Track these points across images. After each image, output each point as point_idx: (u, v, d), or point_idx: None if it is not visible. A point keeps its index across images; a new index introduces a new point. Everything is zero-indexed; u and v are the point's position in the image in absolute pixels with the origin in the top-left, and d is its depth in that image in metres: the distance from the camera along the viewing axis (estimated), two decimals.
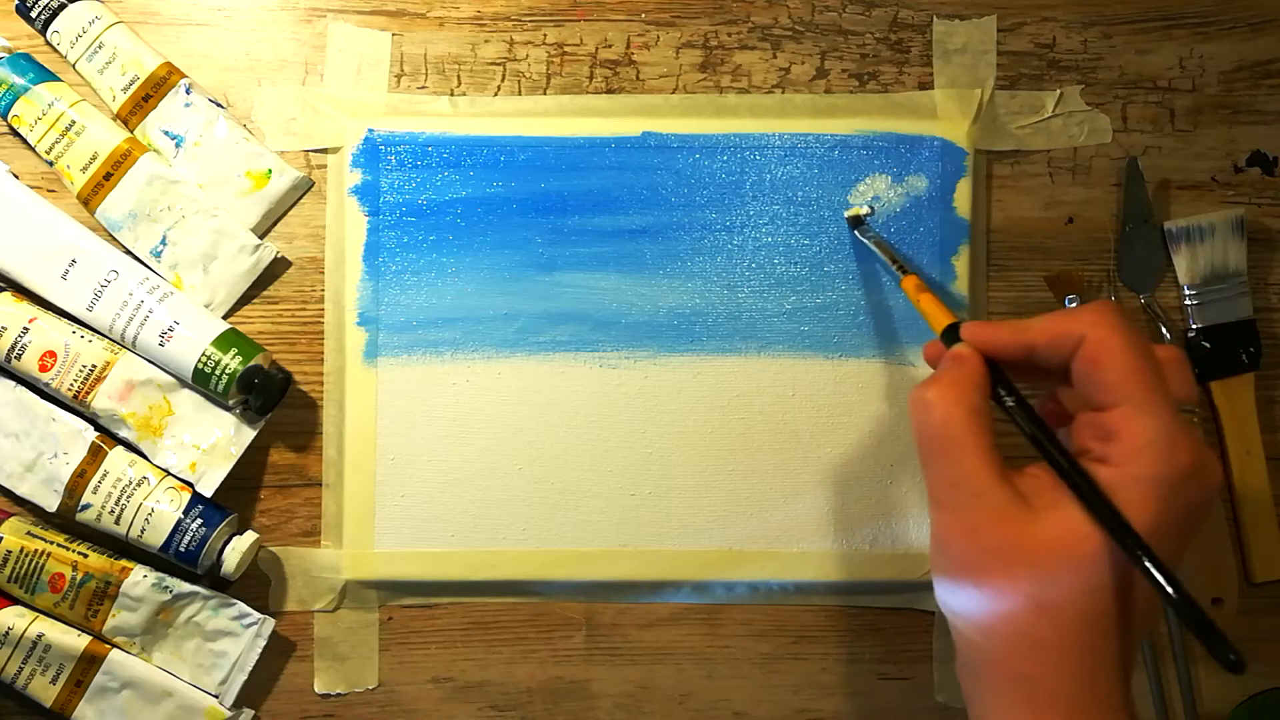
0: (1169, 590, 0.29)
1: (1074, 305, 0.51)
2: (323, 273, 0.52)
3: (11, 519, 0.50)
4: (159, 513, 0.48)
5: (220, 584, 0.51)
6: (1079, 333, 0.33)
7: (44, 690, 0.48)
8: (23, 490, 0.49)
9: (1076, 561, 0.31)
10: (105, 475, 0.48)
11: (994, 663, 0.32)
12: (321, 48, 0.53)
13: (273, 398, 0.49)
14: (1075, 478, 0.32)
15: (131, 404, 0.49)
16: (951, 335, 0.38)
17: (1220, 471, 0.33)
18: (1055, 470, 0.32)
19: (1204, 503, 0.32)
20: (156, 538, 0.48)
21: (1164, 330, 0.52)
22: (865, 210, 0.51)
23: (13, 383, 0.50)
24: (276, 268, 0.52)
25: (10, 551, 0.48)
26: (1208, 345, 0.52)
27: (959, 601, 0.33)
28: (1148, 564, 0.29)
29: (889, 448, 0.51)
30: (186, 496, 0.49)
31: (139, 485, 0.49)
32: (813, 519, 0.51)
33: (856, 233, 0.51)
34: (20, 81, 0.50)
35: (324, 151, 0.52)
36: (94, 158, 0.50)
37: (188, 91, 0.51)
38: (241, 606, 0.50)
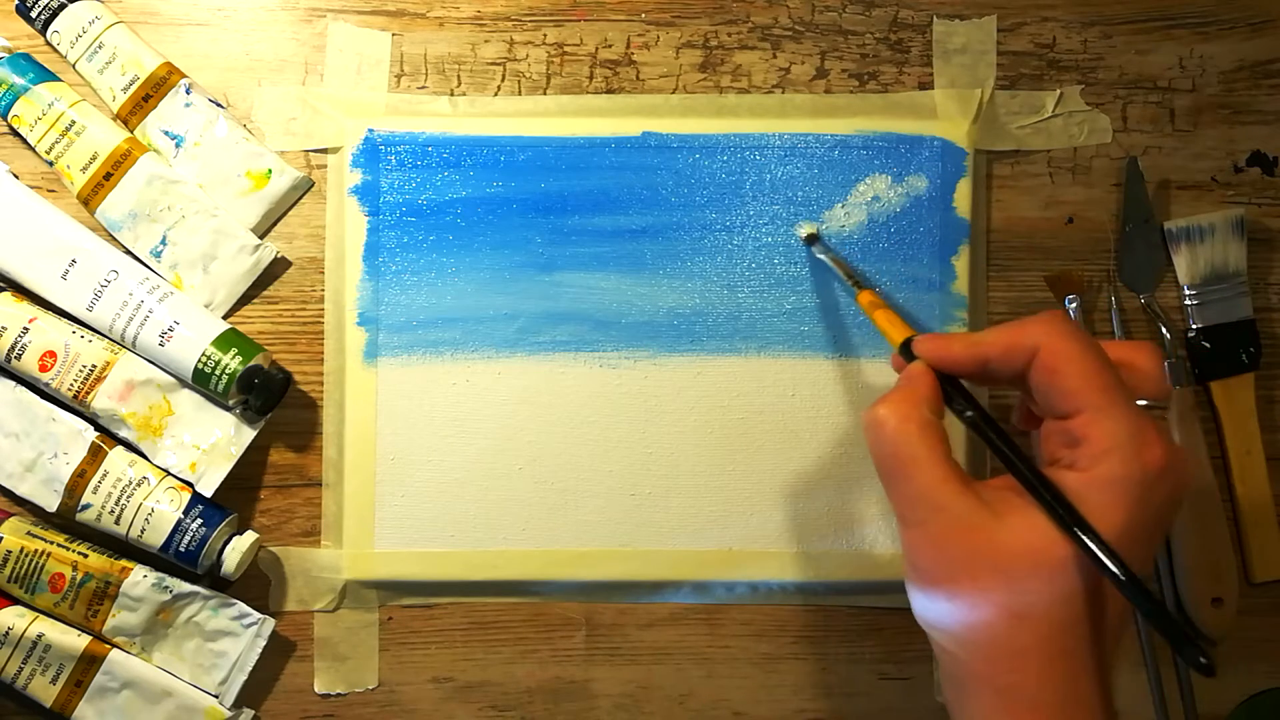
0: (1124, 580, 0.29)
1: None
2: (323, 273, 0.52)
3: (11, 519, 0.50)
4: (159, 513, 0.48)
5: (220, 584, 0.51)
6: (1032, 343, 0.33)
7: (44, 690, 0.48)
8: (23, 490, 0.49)
9: (1046, 568, 0.31)
10: (105, 475, 0.49)
11: (974, 674, 0.32)
12: (321, 48, 0.53)
13: (273, 398, 0.49)
14: (1035, 484, 0.32)
15: (131, 404, 0.49)
16: (907, 352, 0.38)
17: (1190, 464, 0.33)
18: (1016, 478, 0.32)
19: (1176, 499, 0.32)
20: (156, 538, 0.48)
21: (1164, 330, 0.52)
22: (817, 227, 0.51)
23: (13, 383, 0.50)
24: (276, 268, 0.52)
25: (10, 551, 0.48)
26: (1208, 345, 0.52)
27: (934, 615, 0.33)
28: (1111, 567, 0.29)
29: None
30: (186, 496, 0.49)
31: (139, 485, 0.49)
32: (813, 519, 0.51)
33: (813, 250, 0.51)
34: (20, 81, 0.50)
35: (324, 151, 0.52)
36: (94, 158, 0.50)
37: (188, 91, 0.51)
38: (241, 606, 0.50)
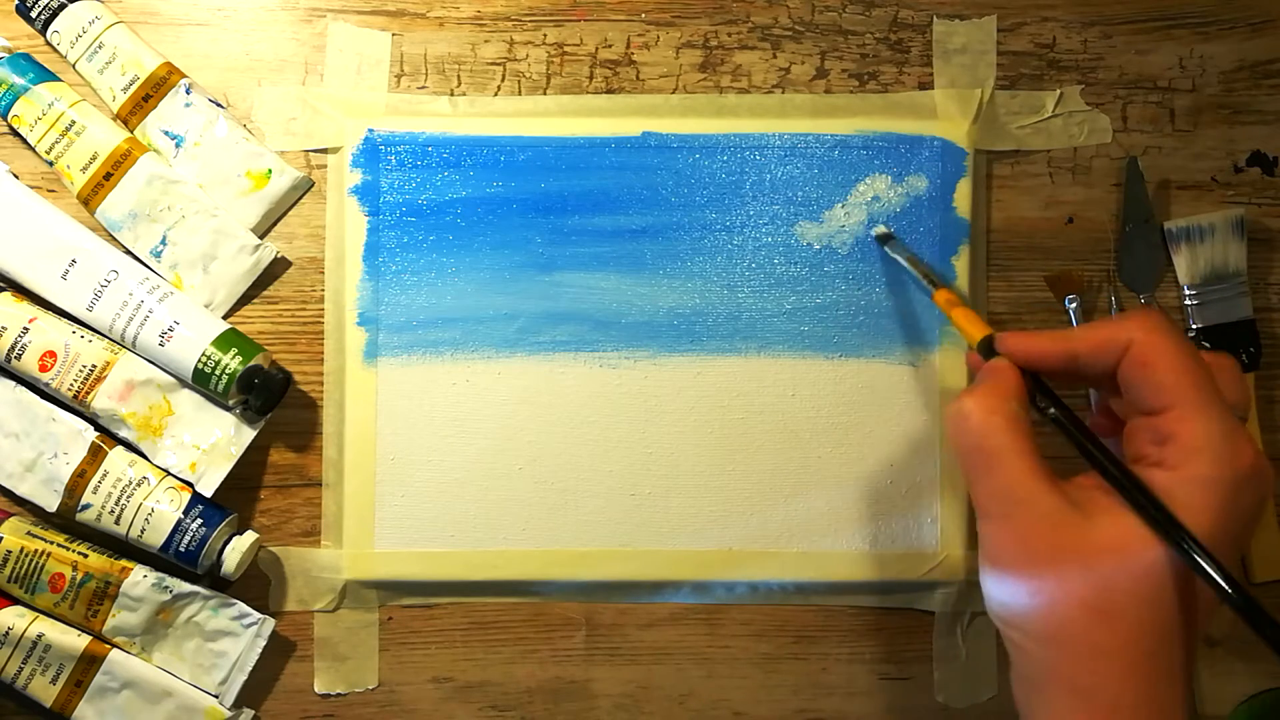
0: (1229, 591, 0.29)
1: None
2: (323, 273, 0.52)
3: (11, 519, 0.50)
4: (159, 513, 0.48)
5: (220, 584, 0.51)
6: (1125, 338, 0.33)
7: (44, 690, 0.48)
8: (23, 490, 0.49)
9: (1133, 567, 0.30)
10: (105, 475, 0.49)
11: (1053, 673, 0.32)
12: (321, 48, 0.53)
13: (273, 398, 0.49)
14: (1125, 483, 0.31)
15: (131, 404, 0.49)
16: (987, 349, 0.38)
17: (1272, 473, 0.33)
18: (1104, 476, 0.32)
19: (1260, 504, 0.32)
20: (156, 538, 0.48)
21: None
22: (890, 227, 0.51)
23: (13, 383, 0.50)
24: (276, 268, 0.52)
25: (10, 551, 0.48)
26: (1208, 345, 0.52)
27: (1013, 611, 0.32)
28: (1206, 565, 0.29)
29: (889, 448, 0.51)
30: (186, 496, 0.49)
31: (139, 485, 0.49)
32: (813, 519, 0.51)
33: (886, 249, 0.51)
34: (20, 81, 0.50)
35: (324, 151, 0.52)
36: (94, 158, 0.50)
37: (188, 91, 0.51)
38: (241, 606, 0.50)
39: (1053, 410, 0.34)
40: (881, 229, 0.51)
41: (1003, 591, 0.33)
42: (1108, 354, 0.33)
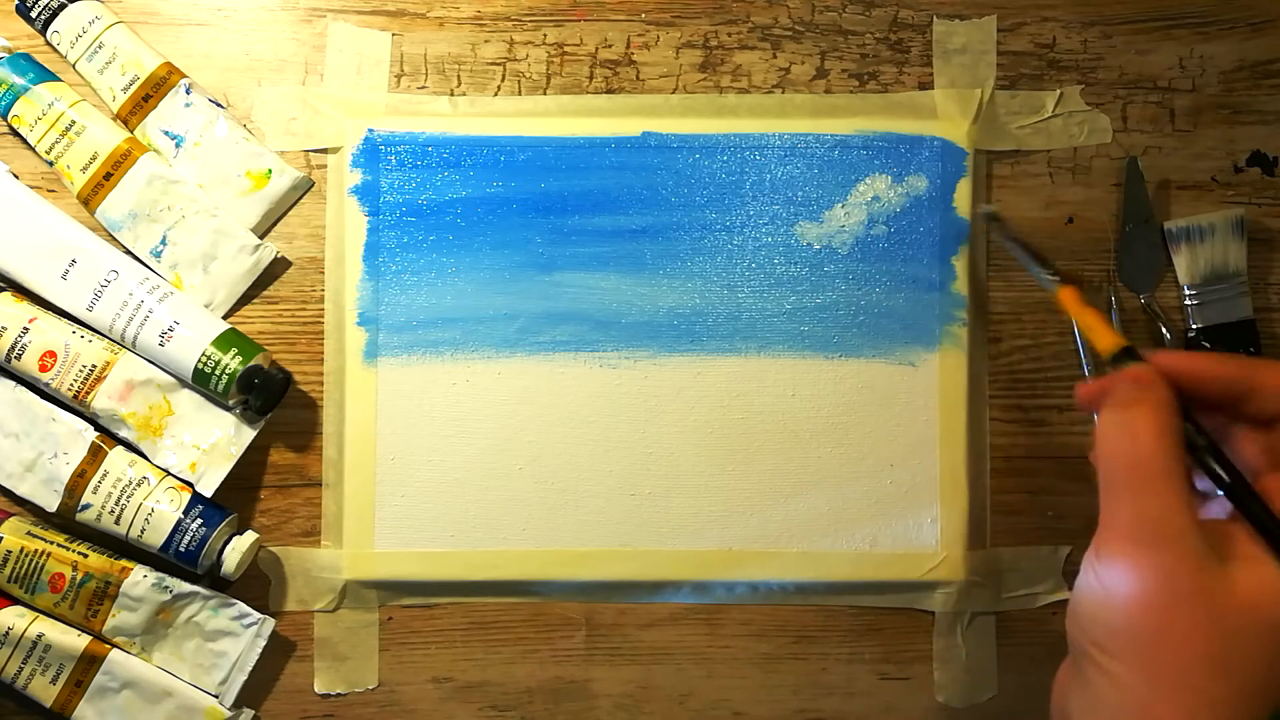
0: None
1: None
2: (323, 273, 0.52)
3: (11, 519, 0.50)
4: (159, 513, 0.48)
5: (220, 584, 0.51)
6: None
7: (44, 690, 0.48)
8: (23, 490, 0.49)
9: (1265, 626, 0.30)
10: (105, 475, 0.48)
11: (1151, 713, 0.30)
12: (321, 48, 0.53)
13: (273, 398, 0.49)
14: (1275, 532, 0.30)
15: (131, 404, 0.49)
16: (1125, 360, 0.35)
17: None
18: (1251, 522, 0.31)
19: None
20: (156, 538, 0.48)
21: (1164, 330, 0.52)
22: (998, 206, 0.49)
23: (13, 383, 0.50)
24: (276, 268, 0.52)
25: (10, 551, 0.48)
26: (1208, 345, 0.52)
27: (1118, 639, 0.31)
28: None
29: (889, 448, 0.51)
30: (186, 496, 0.49)
31: (139, 485, 0.49)
32: (813, 519, 0.51)
33: (995, 227, 0.49)
34: (20, 81, 0.50)
35: (324, 151, 0.52)
36: (94, 158, 0.50)
37: (188, 91, 0.51)
38: (241, 606, 0.50)
39: (1201, 441, 0.33)
40: (991, 207, 0.49)
41: (1114, 616, 0.31)
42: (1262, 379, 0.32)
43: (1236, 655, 0.30)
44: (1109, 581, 0.32)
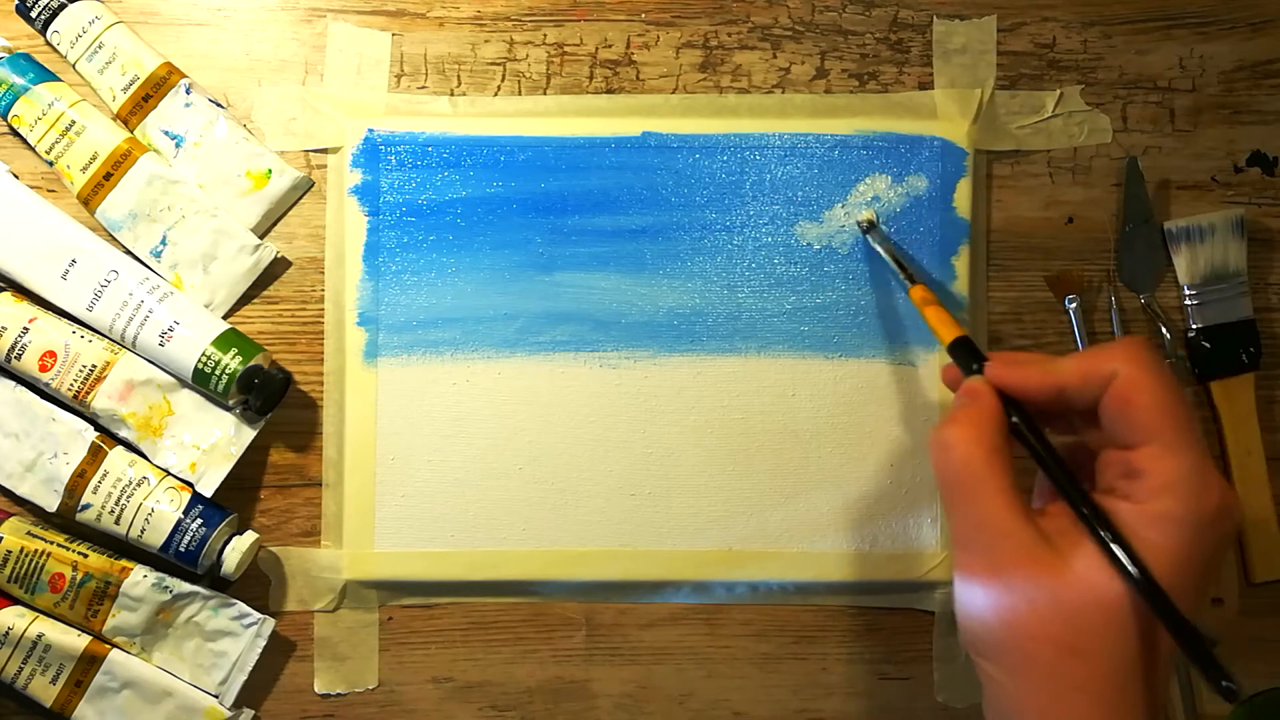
0: (1176, 631, 0.29)
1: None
2: (323, 273, 0.52)
3: (11, 519, 0.50)
4: (159, 513, 0.48)
5: (220, 584, 0.51)
6: (1110, 370, 0.33)
7: (44, 690, 0.48)
8: (23, 490, 0.49)
9: (1104, 604, 0.31)
10: (105, 475, 0.48)
11: (1024, 706, 0.32)
12: (321, 48, 0.53)
13: (273, 398, 0.49)
14: (1094, 522, 0.31)
15: (131, 404, 0.49)
16: (960, 349, 0.38)
17: (1240, 507, 0.33)
18: (1075, 513, 0.32)
19: (1226, 544, 0.32)
20: (156, 538, 0.48)
21: (1164, 330, 0.52)
22: (875, 214, 0.51)
23: (13, 383, 0.50)
24: (276, 268, 0.52)
25: (10, 551, 0.48)
26: (1208, 345, 0.52)
27: (986, 644, 0.33)
28: (1160, 609, 0.30)
29: (889, 448, 0.51)
30: (186, 496, 0.49)
31: (139, 485, 0.49)
32: (813, 519, 0.51)
33: (868, 238, 0.51)
34: (20, 81, 0.50)
35: (324, 151, 0.52)
36: (94, 158, 0.50)
37: (188, 91, 0.51)
38: (241, 606, 0.50)
39: (1032, 439, 0.35)
40: (868, 214, 0.51)
41: (977, 623, 0.33)
42: (1093, 387, 0.34)
43: (1084, 637, 0.31)
44: (963, 591, 0.33)
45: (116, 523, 0.48)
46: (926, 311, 0.43)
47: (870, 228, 0.51)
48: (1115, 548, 0.31)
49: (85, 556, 0.49)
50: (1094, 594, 0.31)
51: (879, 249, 0.50)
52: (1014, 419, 0.35)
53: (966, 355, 0.38)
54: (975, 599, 0.33)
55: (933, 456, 0.35)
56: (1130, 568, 0.30)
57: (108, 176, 0.50)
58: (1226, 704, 0.51)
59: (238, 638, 0.50)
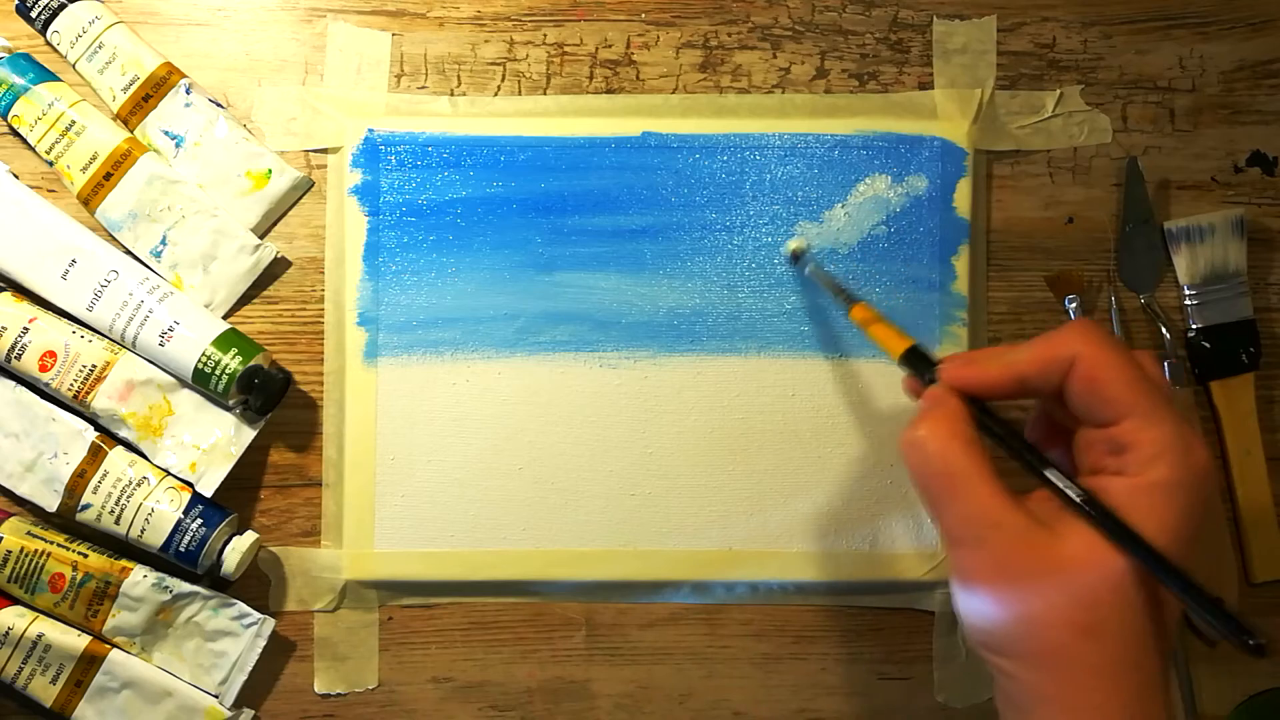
0: (1190, 595, 0.29)
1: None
2: (323, 273, 0.52)
3: (11, 519, 0.50)
4: (159, 513, 0.48)
5: (220, 584, 0.51)
6: (1069, 354, 0.33)
7: (44, 690, 0.48)
8: (23, 490, 0.49)
9: (1112, 580, 0.30)
10: (105, 475, 0.49)
11: (1042, 696, 0.31)
12: (321, 48, 0.53)
13: (273, 398, 0.49)
14: (1077, 497, 0.31)
15: (131, 404, 0.49)
16: (912, 358, 0.37)
17: (1215, 465, 0.33)
18: (1056, 494, 0.32)
19: (1212, 502, 0.32)
20: (156, 538, 0.48)
21: (1164, 330, 0.52)
22: (804, 243, 0.51)
23: (13, 383, 0.50)
24: (276, 268, 0.52)
25: (10, 551, 0.48)
26: (1208, 345, 0.52)
27: (997, 639, 0.32)
28: (1163, 570, 0.29)
29: (889, 448, 0.51)
30: (186, 496, 0.49)
31: (139, 485, 0.49)
32: (813, 519, 0.51)
33: (798, 268, 0.50)
34: (20, 81, 0.50)
35: (324, 151, 0.52)
36: (94, 158, 0.50)
37: (188, 91, 0.51)
38: (241, 606, 0.50)
39: (998, 430, 0.34)
40: (795, 243, 0.51)
41: (984, 619, 0.32)
42: (1053, 373, 0.33)
43: (1097, 615, 0.30)
44: (963, 589, 0.33)
45: (116, 523, 0.48)
46: (871, 330, 0.42)
47: (797, 258, 0.50)
48: (1120, 524, 0.30)
49: (85, 556, 0.49)
50: (1100, 572, 0.30)
51: (812, 277, 0.49)
52: (980, 415, 0.35)
53: (920, 364, 0.38)
54: (978, 595, 0.32)
55: (907, 459, 0.34)
56: (1139, 543, 0.30)
57: (108, 176, 0.50)
58: (1229, 701, 0.52)
59: (238, 638, 0.50)
